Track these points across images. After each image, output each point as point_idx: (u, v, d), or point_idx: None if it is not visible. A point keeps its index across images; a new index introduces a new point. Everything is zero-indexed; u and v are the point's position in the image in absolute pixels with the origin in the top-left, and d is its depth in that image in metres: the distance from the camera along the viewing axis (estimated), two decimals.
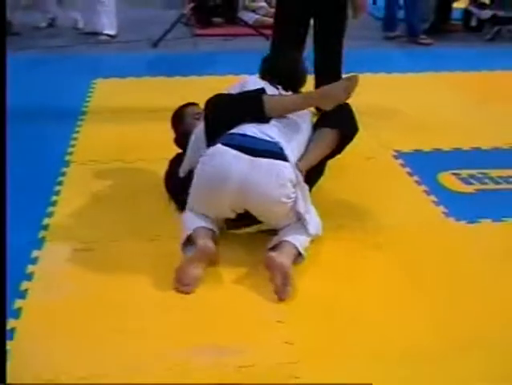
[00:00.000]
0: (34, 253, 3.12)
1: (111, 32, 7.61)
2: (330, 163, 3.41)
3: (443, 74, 6.23)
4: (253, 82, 3.41)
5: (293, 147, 3.10)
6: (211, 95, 3.49)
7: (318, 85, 4.57)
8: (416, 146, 4.43)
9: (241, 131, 3.07)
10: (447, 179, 3.98)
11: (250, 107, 3.15)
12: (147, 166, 4.05)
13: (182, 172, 3.37)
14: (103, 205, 3.61)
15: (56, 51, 7.05)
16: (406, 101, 5.38)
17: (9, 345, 2.48)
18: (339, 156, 3.41)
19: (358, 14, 4.51)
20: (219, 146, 3.00)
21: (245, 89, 3.31)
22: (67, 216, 3.48)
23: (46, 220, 3.43)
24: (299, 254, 2.96)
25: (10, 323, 2.62)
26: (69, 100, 5.33)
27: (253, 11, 8.22)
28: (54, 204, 3.60)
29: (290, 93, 3.43)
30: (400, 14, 7.89)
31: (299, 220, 3.02)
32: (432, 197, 3.75)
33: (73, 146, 4.39)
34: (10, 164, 4.02)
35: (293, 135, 3.17)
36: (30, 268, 3.00)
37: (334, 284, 2.95)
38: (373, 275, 3.03)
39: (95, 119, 4.92)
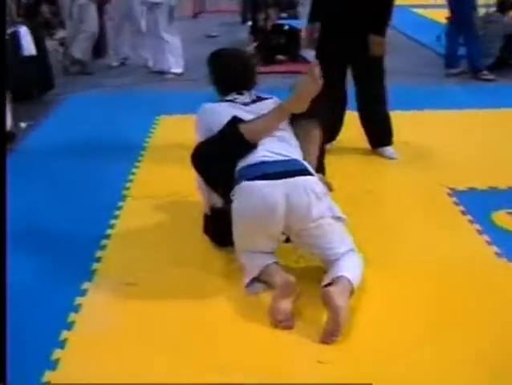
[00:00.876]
0: (84, 285, 3.14)
1: (178, 70, 7.75)
2: (384, 195, 3.34)
3: (504, 111, 6.07)
4: (212, 111, 3.37)
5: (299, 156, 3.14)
6: None
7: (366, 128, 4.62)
8: (472, 184, 4.31)
9: (255, 161, 3.02)
10: (501, 218, 3.85)
11: (233, 145, 3.10)
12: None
13: (201, 193, 3.47)
14: (154, 240, 3.62)
15: (125, 89, 7.21)
16: (464, 138, 5.27)
17: (49, 376, 2.50)
18: (396, 191, 3.34)
19: (374, 53, 4.43)
20: (248, 183, 2.96)
21: (210, 122, 3.27)
22: (119, 250, 3.50)
23: (98, 253, 3.45)
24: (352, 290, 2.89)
25: (56, 354, 2.64)
26: (132, 135, 5.42)
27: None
28: (108, 237, 3.63)
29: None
30: (462, 50, 7.76)
31: (349, 248, 3.03)
32: (485, 237, 3.63)
33: (131, 181, 4.44)
34: (70, 195, 4.16)
35: (290, 143, 3.17)
36: (79, 300, 3.02)
37: (377, 318, 2.88)
38: (421, 312, 2.94)
39: (155, 155, 4.98)
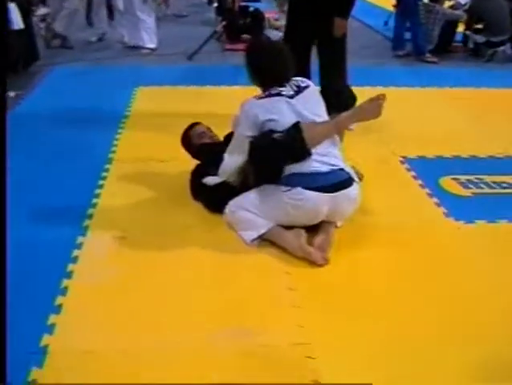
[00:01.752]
0: (79, 239, 3.12)
1: (152, 46, 7.64)
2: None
3: (445, 90, 6.16)
4: (262, 107, 3.13)
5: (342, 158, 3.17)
6: (236, 103, 3.48)
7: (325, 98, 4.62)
8: (421, 153, 4.38)
9: (311, 171, 3.01)
10: (447, 183, 3.93)
11: (296, 150, 3.02)
12: (179, 164, 4.01)
13: (223, 175, 3.30)
14: (140, 199, 3.60)
15: (105, 63, 7.08)
16: (412, 113, 5.35)
17: (54, 318, 2.49)
18: (353, 159, 3.37)
19: (336, 34, 4.43)
20: (306, 193, 2.99)
21: (260, 117, 3.10)
22: (109, 208, 3.48)
23: (90, 211, 3.42)
24: None
25: (58, 300, 2.63)
26: (113, 105, 5.33)
27: (277, 29, 8.18)
28: (97, 196, 3.60)
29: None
30: (408, 35, 7.82)
31: None
32: (434, 199, 3.71)
33: (116, 146, 4.39)
34: (59, 160, 4.10)
35: (334, 143, 3.17)
36: (76, 252, 3.00)
37: (340, 275, 2.93)
38: (378, 269, 3.00)
39: (136, 123, 4.92)
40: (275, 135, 3.02)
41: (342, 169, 3.09)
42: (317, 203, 3.03)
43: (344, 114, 3.16)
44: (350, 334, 2.51)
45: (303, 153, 3.01)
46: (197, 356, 2.36)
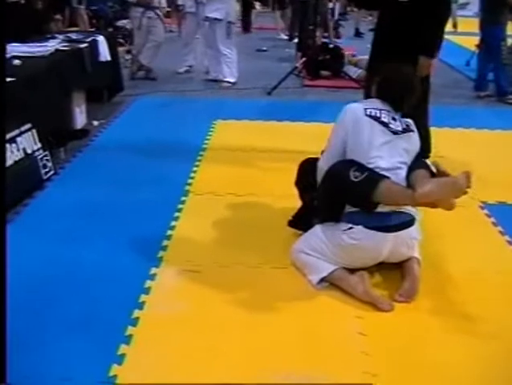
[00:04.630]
0: (153, 270, 3.14)
1: (232, 80, 7.76)
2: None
3: None
4: (358, 122, 3.01)
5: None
6: (313, 139, 3.47)
7: None
8: (502, 198, 4.24)
9: (376, 210, 2.94)
10: None
11: (363, 198, 2.92)
12: (255, 200, 4.06)
13: (325, 164, 3.13)
14: (215, 232, 3.61)
15: (186, 95, 7.24)
16: (493, 156, 5.19)
17: (124, 349, 2.52)
18: None
19: (420, 73, 4.33)
20: (367, 232, 2.93)
21: (350, 131, 3.01)
22: (183, 240, 3.50)
23: (164, 242, 3.46)
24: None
25: (129, 330, 2.65)
26: (192, 137, 5.42)
27: (356, 65, 8.17)
28: (172, 228, 3.63)
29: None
30: (491, 75, 7.65)
31: None
32: None
33: (192, 178, 4.44)
34: (137, 189, 4.18)
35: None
36: (149, 283, 3.03)
37: (413, 322, 2.84)
38: (452, 317, 2.88)
39: (213, 156, 4.98)
40: (352, 175, 2.91)
41: (404, 212, 3.00)
42: (378, 243, 2.96)
43: (430, 185, 2.85)
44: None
45: (370, 206, 2.94)
46: None
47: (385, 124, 3.02)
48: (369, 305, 2.89)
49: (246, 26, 13.42)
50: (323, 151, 3.26)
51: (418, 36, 4.24)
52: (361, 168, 2.94)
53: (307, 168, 3.41)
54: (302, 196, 3.48)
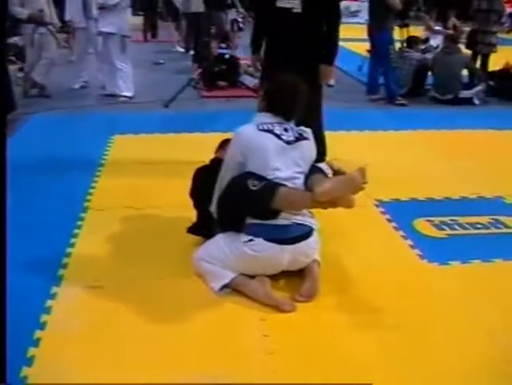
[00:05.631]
0: (54, 289, 3.10)
1: (129, 94, 7.72)
2: None
3: (419, 133, 6.30)
4: (253, 139, 3.08)
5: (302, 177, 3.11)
6: (213, 149, 3.51)
7: None
8: (395, 196, 4.44)
9: (273, 222, 3.01)
10: (421, 225, 3.98)
11: (262, 207, 2.98)
12: (155, 212, 4.06)
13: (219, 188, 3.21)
14: (115, 247, 3.60)
15: (82, 110, 7.14)
16: (386, 156, 5.41)
17: (27, 370, 2.47)
18: None
19: (323, 80, 4.51)
20: (265, 244, 3.00)
21: (247, 150, 3.06)
22: (84, 257, 3.47)
23: (64, 260, 3.41)
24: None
25: (30, 351, 2.60)
26: (90, 153, 5.35)
27: (251, 76, 8.29)
28: (72, 245, 3.59)
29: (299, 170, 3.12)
30: (382, 79, 7.97)
31: None
32: (409, 241, 3.75)
33: (91, 194, 4.39)
34: (34, 208, 4.10)
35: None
36: (49, 302, 2.98)
37: (314, 319, 2.94)
38: (352, 312, 2.99)
39: (112, 170, 4.95)
40: (251, 184, 2.97)
41: (304, 224, 3.10)
42: (277, 255, 3.05)
43: (327, 184, 2.97)
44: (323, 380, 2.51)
45: (270, 215, 3.01)
46: None
47: (278, 136, 3.09)
48: (272, 308, 2.96)
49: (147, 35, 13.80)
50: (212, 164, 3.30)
51: (313, 44, 4.36)
52: (259, 177, 3.01)
53: (201, 176, 3.47)
54: (196, 205, 3.53)
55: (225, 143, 3.53)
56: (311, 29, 4.34)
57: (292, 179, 3.06)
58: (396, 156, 5.47)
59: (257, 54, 4.66)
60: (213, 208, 3.23)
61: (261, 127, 3.11)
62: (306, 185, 3.06)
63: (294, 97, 3.23)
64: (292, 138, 3.14)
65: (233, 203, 3.08)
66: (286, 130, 3.15)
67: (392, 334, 2.82)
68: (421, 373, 2.57)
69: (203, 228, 3.46)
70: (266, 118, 3.19)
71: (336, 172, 3.06)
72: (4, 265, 2.12)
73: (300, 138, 3.19)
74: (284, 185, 2.98)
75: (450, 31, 8.88)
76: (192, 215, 3.57)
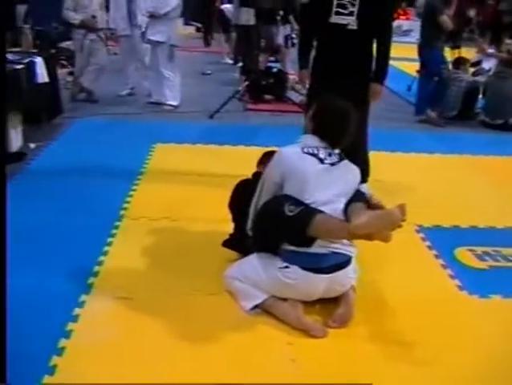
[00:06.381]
0: (82, 297, 3.07)
1: (174, 103, 7.73)
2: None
3: (466, 157, 6.13)
4: (296, 162, 3.01)
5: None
6: (254, 163, 3.46)
7: None
8: (437, 222, 4.31)
9: (311, 251, 2.91)
10: (463, 254, 3.84)
11: (298, 233, 2.89)
12: (191, 224, 4.02)
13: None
14: (148, 258, 3.56)
15: (126, 117, 7.17)
16: (430, 180, 5.29)
17: (48, 379, 2.43)
18: None
19: (373, 99, 4.42)
20: (299, 271, 2.92)
21: (290, 171, 2.98)
22: (115, 266, 3.44)
23: (96, 268, 3.38)
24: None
25: (53, 360, 2.57)
26: (131, 160, 5.36)
27: (298, 92, 8.24)
28: (105, 253, 3.57)
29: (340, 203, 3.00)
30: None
31: None
32: (449, 271, 3.62)
33: (128, 202, 4.38)
34: (71, 213, 4.10)
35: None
36: (77, 310, 2.95)
37: (345, 346, 2.84)
38: (387, 341, 2.89)
39: (151, 179, 4.93)
40: (287, 210, 2.88)
41: (341, 253, 2.99)
42: (313, 284, 2.97)
43: (364, 218, 2.82)
44: None
45: (306, 242, 2.91)
46: None
47: (321, 160, 3.02)
48: (301, 333, 2.87)
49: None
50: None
51: (364, 62, 4.30)
52: (296, 202, 2.92)
53: (242, 190, 3.41)
54: (234, 218, 3.47)
55: (266, 157, 3.48)
56: (364, 46, 4.28)
57: (331, 203, 2.96)
58: (440, 180, 5.32)
59: (305, 69, 4.59)
60: (248, 226, 3.17)
61: (305, 150, 3.03)
62: (345, 212, 2.96)
63: (344, 126, 3.13)
64: (336, 160, 3.07)
65: (268, 227, 3.01)
66: (329, 155, 3.07)
67: (424, 370, 2.70)
68: None
69: (239, 243, 3.40)
70: (313, 141, 3.11)
71: (374, 206, 2.95)
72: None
73: (342, 158, 3.11)
74: (322, 212, 2.89)
75: (504, 55, 8.64)
76: (228, 229, 3.51)
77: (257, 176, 3.38)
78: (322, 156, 3.03)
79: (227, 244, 3.49)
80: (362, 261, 3.25)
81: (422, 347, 2.86)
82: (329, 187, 2.99)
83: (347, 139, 3.16)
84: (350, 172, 3.15)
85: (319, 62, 4.45)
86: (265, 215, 3.02)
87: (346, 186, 3.06)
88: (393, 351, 2.81)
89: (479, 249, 3.91)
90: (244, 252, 3.30)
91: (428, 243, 3.98)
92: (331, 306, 3.07)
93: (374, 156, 4.79)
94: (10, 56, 5.89)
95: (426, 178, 5.32)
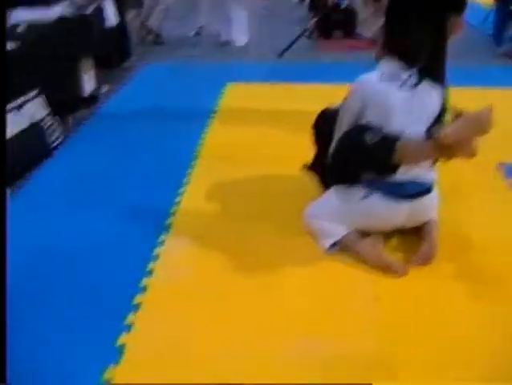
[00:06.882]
0: (161, 237, 3.09)
1: (243, 42, 7.61)
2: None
3: None
4: (373, 89, 2.85)
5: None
6: (325, 101, 3.35)
7: None
8: None
9: (393, 179, 2.84)
10: None
11: (382, 167, 2.82)
12: (269, 165, 3.96)
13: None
14: (225, 199, 3.54)
15: (196, 59, 7.12)
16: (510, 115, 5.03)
17: (133, 318, 2.47)
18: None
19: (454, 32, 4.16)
20: (381, 199, 2.86)
21: (368, 100, 2.84)
22: (193, 207, 3.43)
23: (173, 208, 3.39)
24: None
25: (137, 298, 2.60)
26: (203, 101, 5.32)
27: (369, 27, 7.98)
28: (181, 194, 3.57)
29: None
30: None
31: None
32: None
33: (202, 144, 4.36)
34: (146, 155, 4.12)
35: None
36: (157, 250, 2.98)
37: (430, 286, 2.76)
38: (470, 280, 2.79)
39: (225, 118, 4.89)
40: (368, 138, 2.77)
41: (424, 181, 2.92)
42: (395, 211, 2.90)
43: (453, 125, 2.67)
44: (433, 347, 2.36)
45: (389, 171, 2.82)
46: (279, 365, 2.26)
47: (403, 84, 2.84)
48: (384, 271, 2.81)
49: None
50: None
51: None
52: (376, 130, 2.81)
53: (328, 112, 3.27)
54: (317, 139, 3.34)
55: None
56: None
57: (415, 131, 2.83)
58: None
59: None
60: (331, 150, 3.05)
61: (385, 77, 2.86)
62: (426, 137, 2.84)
63: (421, 35, 2.87)
64: (416, 80, 2.86)
65: (349, 158, 2.91)
66: (409, 76, 2.87)
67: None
68: None
69: (319, 166, 3.31)
70: (389, 65, 2.90)
71: (460, 114, 2.78)
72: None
73: (423, 79, 2.89)
74: (403, 137, 2.78)
75: None
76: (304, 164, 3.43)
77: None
78: (402, 78, 2.85)
79: (308, 167, 3.41)
80: (441, 193, 3.10)
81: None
82: (412, 114, 2.85)
83: (425, 51, 2.89)
84: (431, 94, 2.93)
85: None
86: (345, 145, 2.92)
87: (427, 111, 2.90)
88: (480, 289, 2.71)
89: None
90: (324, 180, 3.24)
91: (510, 180, 3.81)
92: (412, 242, 3.00)
93: (450, 92, 4.59)
94: (78, 0, 5.89)
95: (506, 114, 5.07)
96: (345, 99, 2.98)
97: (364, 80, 2.91)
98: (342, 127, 2.96)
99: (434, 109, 2.94)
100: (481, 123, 2.65)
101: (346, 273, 2.83)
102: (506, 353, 2.34)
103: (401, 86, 2.84)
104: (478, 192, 3.66)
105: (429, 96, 2.92)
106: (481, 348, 2.35)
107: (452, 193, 3.47)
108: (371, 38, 7.43)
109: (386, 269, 2.81)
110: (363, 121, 2.88)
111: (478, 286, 2.75)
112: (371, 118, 2.86)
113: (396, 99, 2.82)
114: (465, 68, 6.36)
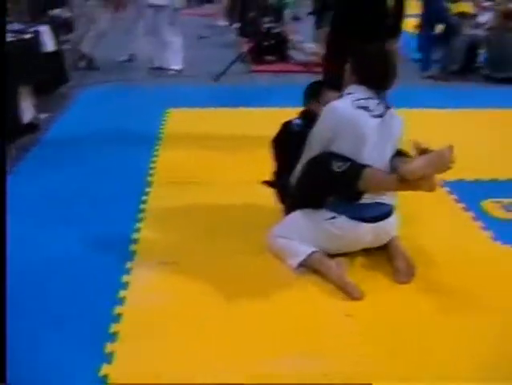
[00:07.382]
0: (128, 264, 3.07)
1: (178, 67, 7.65)
2: None
3: (477, 111, 6.12)
4: (342, 116, 2.93)
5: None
6: (268, 124, 3.43)
7: None
8: (459, 176, 4.29)
9: (359, 202, 2.95)
10: (490, 206, 3.86)
11: (347, 193, 2.94)
12: (221, 187, 4.03)
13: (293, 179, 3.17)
14: (184, 222, 3.56)
15: (132, 84, 7.12)
16: (445, 135, 5.18)
17: (112, 347, 2.45)
18: None
19: None
20: (348, 221, 2.96)
21: (337, 126, 2.93)
22: (154, 232, 3.43)
23: (134, 235, 3.38)
24: None
25: (113, 327, 2.58)
26: (146, 126, 5.36)
27: (301, 50, 8.19)
28: (140, 220, 3.56)
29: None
30: (435, 56, 7.80)
31: None
32: (480, 223, 3.64)
33: (153, 168, 4.37)
34: (99, 183, 4.08)
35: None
36: (126, 277, 2.96)
37: (390, 300, 2.87)
38: (431, 294, 2.91)
39: (171, 144, 4.92)
40: (336, 166, 2.87)
41: (386, 204, 3.04)
42: (360, 233, 3.01)
43: (417, 161, 2.83)
44: (409, 361, 2.45)
45: (355, 196, 2.93)
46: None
47: (372, 113, 2.95)
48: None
49: None
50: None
51: (382, 19, 4.27)
52: (343, 158, 2.92)
53: (288, 127, 3.38)
54: (277, 156, 3.42)
55: (314, 93, 3.44)
56: (382, 3, 4.27)
57: (382, 159, 2.98)
58: (455, 135, 5.19)
59: (325, 27, 4.55)
60: (293, 179, 3.15)
61: (356, 104, 2.97)
62: (390, 164, 2.97)
63: (388, 65, 3.04)
64: (383, 109, 2.99)
65: (316, 184, 3.01)
66: (377, 104, 3.00)
67: (477, 318, 2.72)
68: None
69: (279, 183, 3.39)
70: (360, 92, 3.02)
71: (424, 151, 2.93)
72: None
73: (387, 109, 3.03)
74: (369, 166, 2.89)
75: (502, 7, 8.56)
76: (258, 191, 3.52)
77: (306, 113, 3.38)
78: (372, 107, 2.96)
79: (268, 182, 3.49)
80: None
81: (473, 297, 2.89)
82: (381, 142, 2.98)
83: (393, 78, 3.07)
84: (395, 122, 3.08)
85: (338, 20, 4.42)
86: (313, 171, 3.01)
87: (393, 138, 3.06)
88: (444, 302, 2.83)
89: (505, 200, 3.93)
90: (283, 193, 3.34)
91: (454, 196, 4.00)
92: (379, 261, 3.12)
93: None
94: (14, 26, 5.78)
95: (438, 133, 5.22)
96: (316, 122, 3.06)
97: (337, 108, 2.97)
98: (310, 151, 3.05)
99: (398, 135, 3.10)
100: (442, 162, 2.82)
101: (315, 292, 2.89)
102: (482, 359, 2.46)
103: (372, 115, 2.96)
104: (428, 208, 3.81)
105: (395, 123, 3.08)
106: (456, 357, 2.46)
107: (402, 210, 3.59)
108: (303, 62, 7.65)
109: (343, 289, 2.88)
110: (334, 148, 2.97)
111: (442, 298, 2.87)
112: (342, 146, 2.94)
113: (368, 129, 2.93)
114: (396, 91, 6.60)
